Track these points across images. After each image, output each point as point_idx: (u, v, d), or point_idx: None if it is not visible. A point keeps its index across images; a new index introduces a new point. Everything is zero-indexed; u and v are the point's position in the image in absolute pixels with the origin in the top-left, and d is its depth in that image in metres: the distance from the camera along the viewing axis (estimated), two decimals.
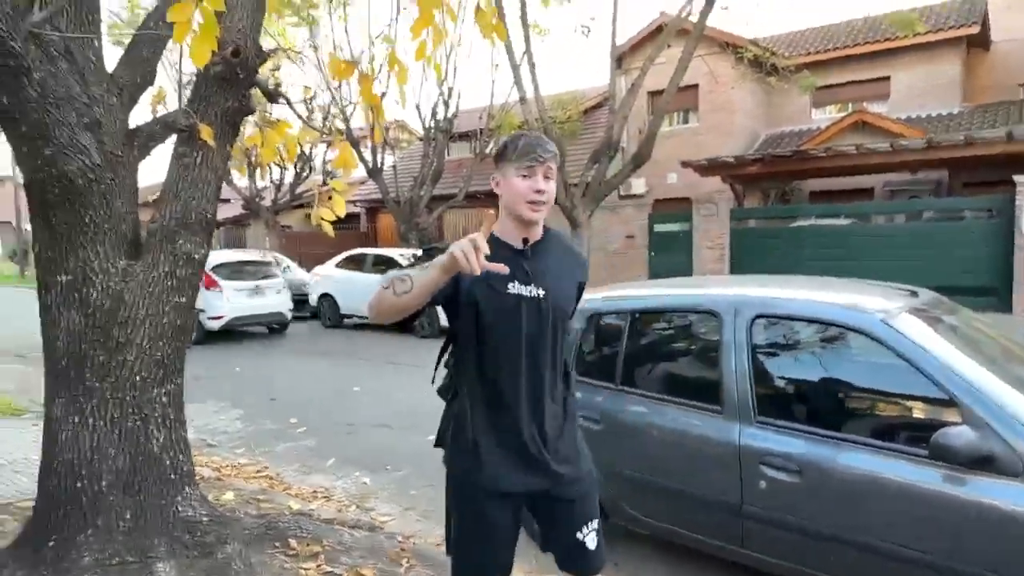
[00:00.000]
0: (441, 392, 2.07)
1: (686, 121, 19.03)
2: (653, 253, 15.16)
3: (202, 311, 10.92)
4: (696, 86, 17.57)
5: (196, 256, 2.91)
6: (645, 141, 11.59)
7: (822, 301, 3.00)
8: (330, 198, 3.12)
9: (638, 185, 18.62)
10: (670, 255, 14.82)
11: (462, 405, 1.95)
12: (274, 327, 12.40)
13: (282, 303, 12.13)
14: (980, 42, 17.45)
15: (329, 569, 3.06)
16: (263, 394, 7.59)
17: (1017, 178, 10.72)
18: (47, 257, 2.71)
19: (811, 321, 2.95)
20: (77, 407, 2.68)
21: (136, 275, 2.78)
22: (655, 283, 4.29)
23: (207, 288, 10.83)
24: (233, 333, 12.46)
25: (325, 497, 4.61)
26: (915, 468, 2.48)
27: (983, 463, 2.32)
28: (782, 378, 3.07)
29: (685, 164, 14.64)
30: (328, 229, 3.06)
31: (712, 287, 3.42)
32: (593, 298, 3.78)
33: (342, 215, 3.07)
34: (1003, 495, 2.28)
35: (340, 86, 12.89)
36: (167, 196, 2.89)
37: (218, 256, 12.08)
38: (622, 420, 3.32)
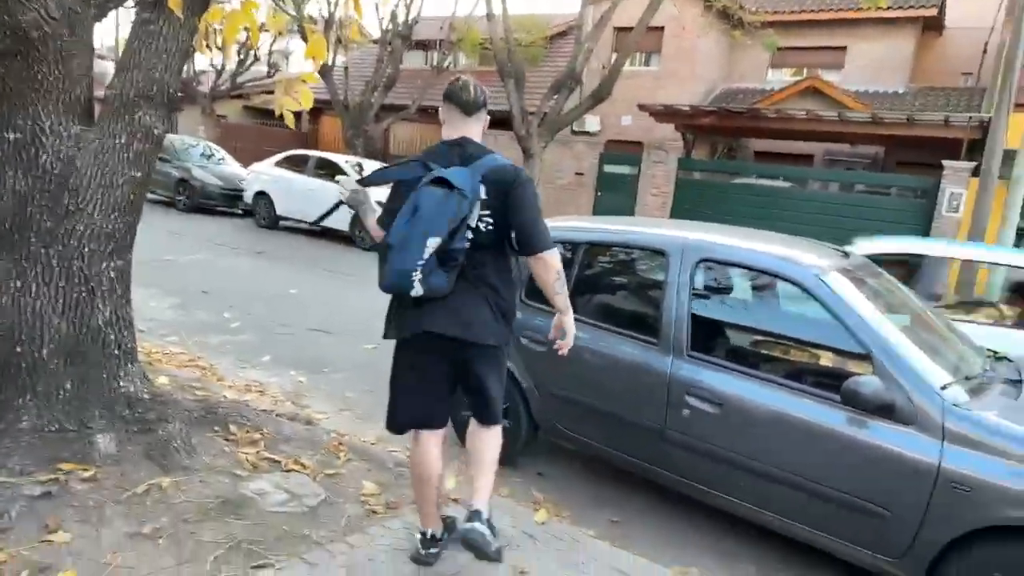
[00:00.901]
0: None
1: (647, 63, 18.95)
2: (600, 193, 15.31)
3: None
4: (662, 29, 17.41)
5: (155, 131, 2.81)
6: (608, 78, 11.52)
7: (762, 251, 3.19)
8: (297, 86, 3.03)
9: (592, 123, 18.56)
10: (616, 196, 15.01)
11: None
12: None
13: None
14: (934, 25, 17.94)
15: (269, 455, 3.15)
16: (195, 286, 7.42)
17: (946, 163, 11.33)
18: None
19: (751, 269, 3.14)
20: (20, 271, 2.60)
21: (90, 142, 2.67)
22: (606, 219, 4.42)
23: None
24: (164, 221, 11.97)
25: (259, 391, 4.64)
26: (824, 409, 2.75)
27: (885, 411, 2.59)
28: (717, 319, 3.29)
29: (642, 107, 14.67)
30: (289, 120, 2.99)
31: (662, 228, 3.56)
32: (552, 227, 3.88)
33: (308, 107, 3.00)
34: (897, 440, 2.57)
35: None
36: (127, 64, 2.75)
37: None
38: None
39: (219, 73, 19.87)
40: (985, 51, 13.02)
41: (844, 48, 18.23)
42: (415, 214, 2.15)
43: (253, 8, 3.44)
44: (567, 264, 3.63)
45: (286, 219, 12.87)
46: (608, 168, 15.33)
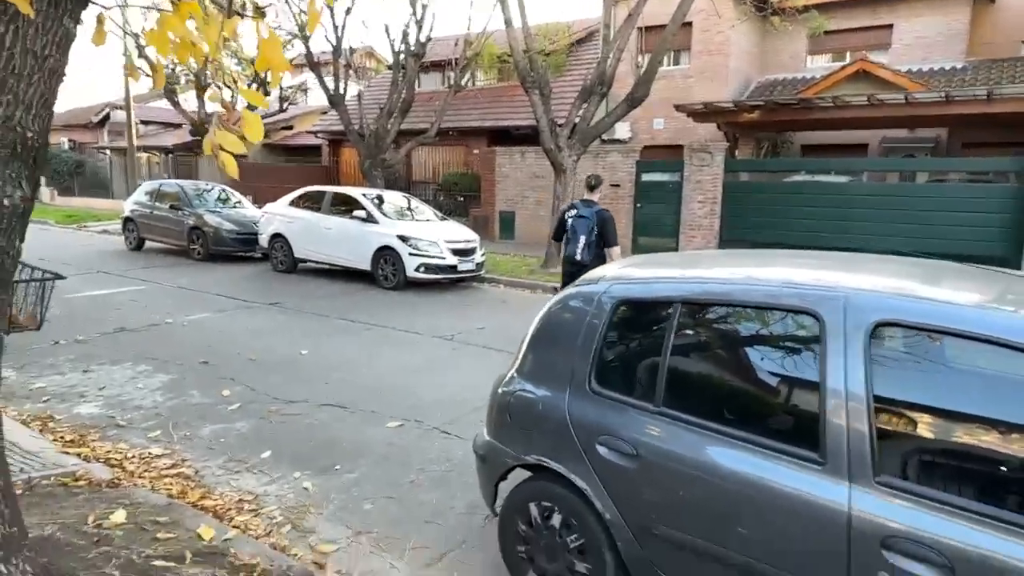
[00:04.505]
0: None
1: (676, 62, 17.77)
2: (640, 204, 14.07)
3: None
4: (690, 24, 16.26)
5: (4, 200, 1.77)
6: (643, 78, 10.39)
7: (995, 310, 2.01)
8: (237, 120, 1.98)
9: (622, 130, 17.47)
10: (657, 207, 13.77)
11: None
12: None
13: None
14: None
15: None
16: (194, 353, 6.46)
17: None
18: None
19: (975, 339, 1.95)
20: None
21: None
22: (705, 256, 3.27)
23: None
24: (173, 274, 11.17)
25: (252, 511, 3.60)
26: None
27: None
28: (920, 422, 2.10)
29: (680, 108, 13.49)
30: (230, 165, 1.92)
31: (805, 270, 2.40)
32: (618, 277, 2.74)
33: (256, 142, 1.94)
34: None
35: None
36: None
37: None
38: (665, 458, 2.34)
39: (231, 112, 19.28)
40: None
41: (890, 26, 16.85)
42: (574, 227, 6.41)
43: (192, 12, 2.41)
44: (656, 334, 2.51)
45: (304, 261, 11.99)
46: (647, 177, 14.09)
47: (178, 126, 26.85)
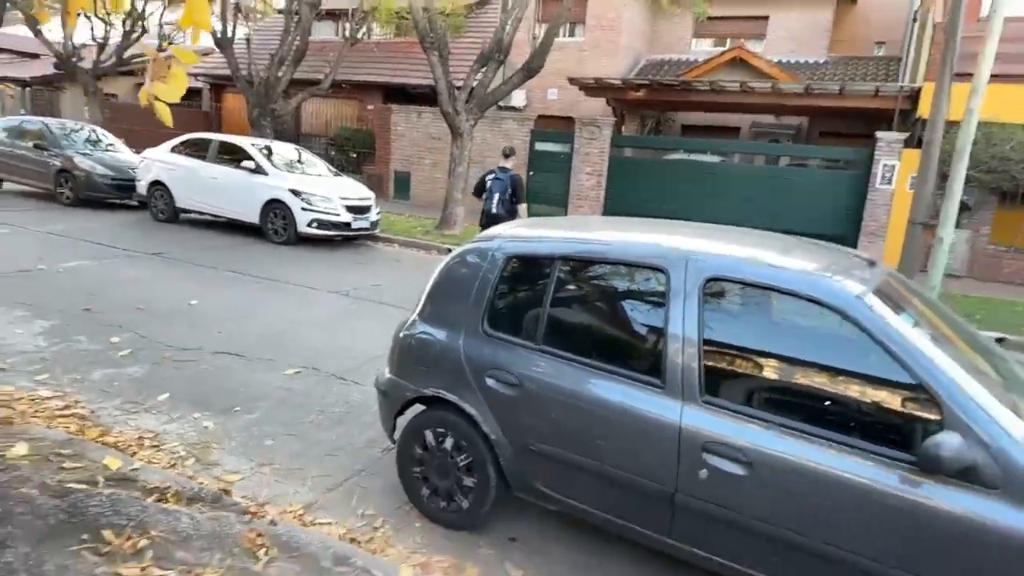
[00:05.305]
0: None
1: (572, 35, 18.30)
2: (532, 173, 14.57)
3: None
4: None
5: None
6: (539, 49, 10.76)
7: (787, 267, 2.57)
8: (168, 68, 2.16)
9: (518, 98, 17.86)
10: (549, 176, 14.32)
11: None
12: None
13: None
14: None
15: (160, 573, 2.33)
16: (75, 300, 6.27)
17: (880, 134, 11.25)
18: None
19: (774, 290, 2.52)
20: None
21: None
22: (587, 221, 3.74)
23: None
24: (42, 219, 10.46)
25: (154, 446, 3.76)
26: (875, 469, 2.20)
27: (966, 473, 2.05)
28: (736, 355, 2.67)
29: (573, 81, 14.02)
30: (165, 114, 2.12)
31: (656, 234, 2.90)
32: (509, 236, 3.15)
33: (181, 94, 2.13)
34: (978, 508, 2.04)
35: None
36: None
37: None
38: (542, 386, 2.80)
39: (102, 47, 17.80)
40: (915, 19, 12.96)
41: (766, 18, 18.17)
42: (491, 187, 8.12)
43: None
44: (539, 284, 2.94)
45: (187, 211, 11.57)
46: (540, 146, 14.60)
47: (37, 56, 24.39)
